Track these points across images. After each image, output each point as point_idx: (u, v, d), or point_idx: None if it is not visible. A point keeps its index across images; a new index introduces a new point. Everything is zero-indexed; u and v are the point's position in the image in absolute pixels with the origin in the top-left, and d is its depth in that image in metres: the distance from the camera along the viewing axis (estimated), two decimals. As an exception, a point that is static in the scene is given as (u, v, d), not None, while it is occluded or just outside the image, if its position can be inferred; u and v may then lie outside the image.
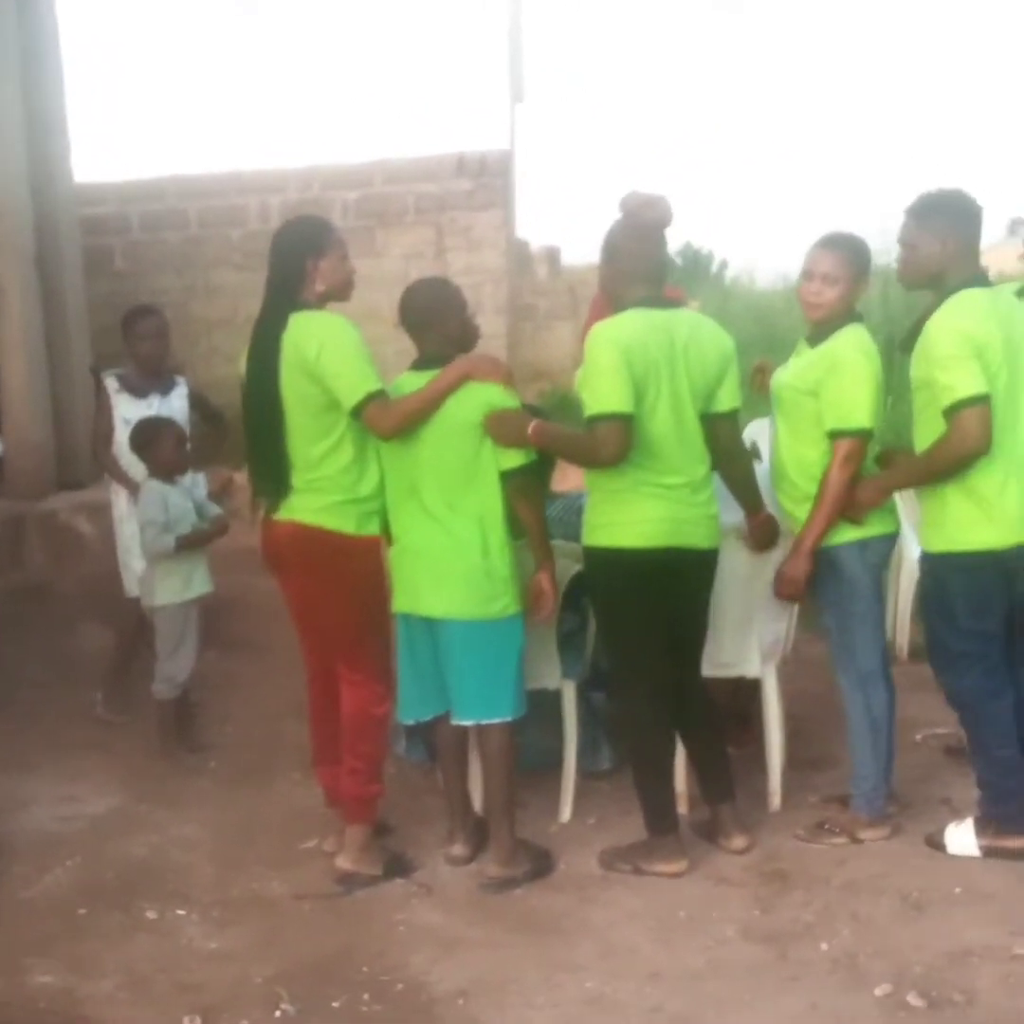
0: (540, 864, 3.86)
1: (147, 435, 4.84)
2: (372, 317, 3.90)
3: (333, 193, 9.64)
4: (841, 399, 3.69)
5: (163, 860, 4.06)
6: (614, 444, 3.55)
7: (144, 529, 4.73)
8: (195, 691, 5.04)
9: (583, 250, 10.80)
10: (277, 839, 4.15)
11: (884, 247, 4.97)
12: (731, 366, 3.72)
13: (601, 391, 3.56)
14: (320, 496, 3.70)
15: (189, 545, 4.75)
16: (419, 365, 3.76)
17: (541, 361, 10.65)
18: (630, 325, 3.63)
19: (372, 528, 3.77)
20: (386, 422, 3.63)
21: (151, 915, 3.71)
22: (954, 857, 3.73)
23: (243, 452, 5.12)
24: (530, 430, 3.61)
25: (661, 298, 3.76)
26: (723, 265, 22.90)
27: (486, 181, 9.44)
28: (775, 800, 4.15)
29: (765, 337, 9.92)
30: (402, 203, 9.53)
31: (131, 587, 5.16)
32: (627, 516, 3.67)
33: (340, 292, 3.82)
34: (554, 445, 3.75)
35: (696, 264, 22.81)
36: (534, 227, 12.05)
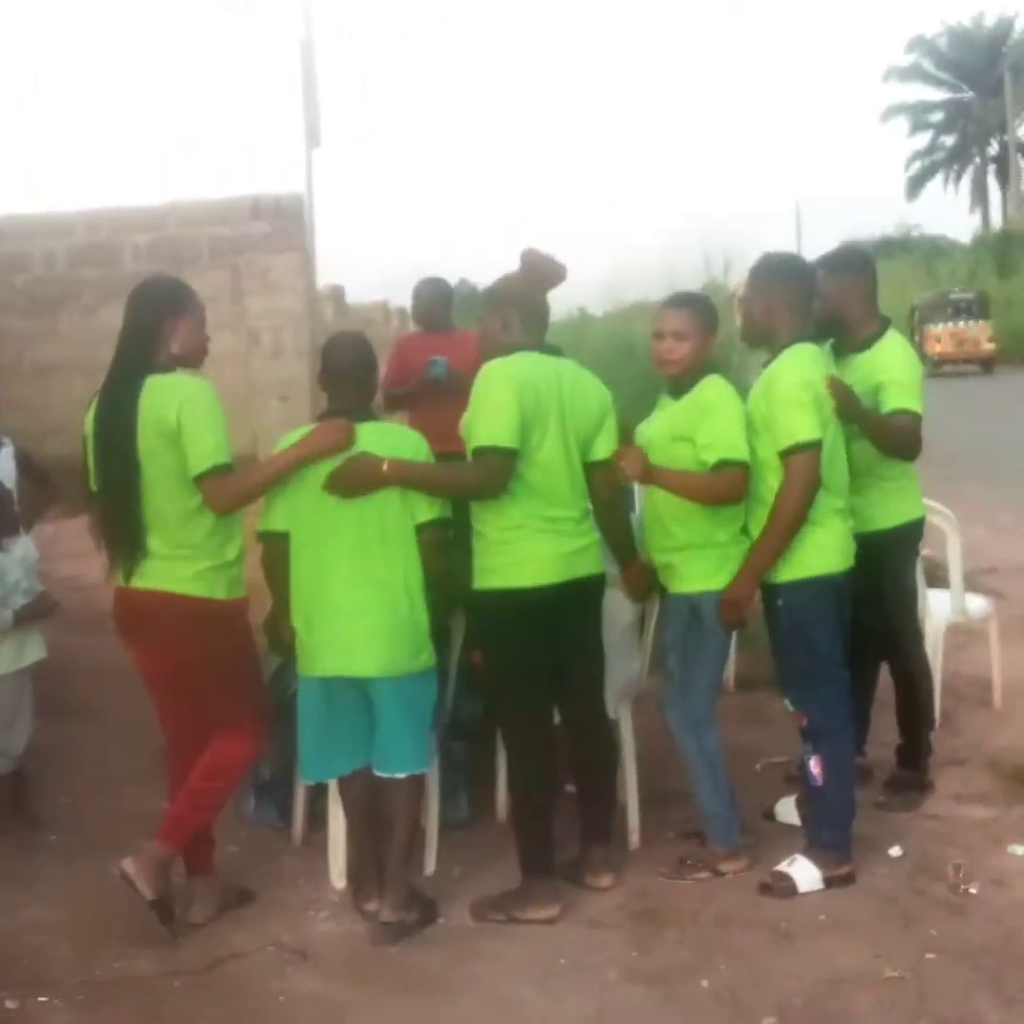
0: (427, 912, 3.89)
1: None
2: None
3: (123, 237, 9.46)
4: (723, 432, 3.83)
5: (15, 945, 3.86)
6: (499, 476, 3.68)
7: None
8: (29, 762, 4.82)
9: (369, 290, 10.86)
10: (134, 913, 3.96)
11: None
12: (609, 416, 3.88)
13: (492, 424, 3.67)
14: (188, 564, 3.64)
15: (24, 622, 4.55)
16: (329, 416, 3.78)
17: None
18: (522, 365, 3.76)
19: (240, 592, 3.74)
20: (220, 502, 3.62)
21: (10, 1005, 3.53)
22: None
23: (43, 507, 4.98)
24: (385, 469, 3.64)
25: (547, 345, 3.89)
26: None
27: (283, 224, 9.42)
28: (634, 838, 4.29)
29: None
30: (196, 246, 9.41)
31: None
32: (519, 556, 3.76)
33: (194, 358, 3.79)
34: (415, 479, 3.73)
35: (472, 301, 23.12)
36: (321, 267, 12.02)
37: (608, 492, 3.91)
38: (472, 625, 4.03)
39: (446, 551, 3.82)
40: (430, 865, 4.21)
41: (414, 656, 3.73)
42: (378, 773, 3.81)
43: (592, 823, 4.02)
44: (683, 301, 4.07)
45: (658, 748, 4.78)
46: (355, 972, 3.66)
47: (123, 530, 3.67)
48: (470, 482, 3.77)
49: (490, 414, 3.70)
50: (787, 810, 4.33)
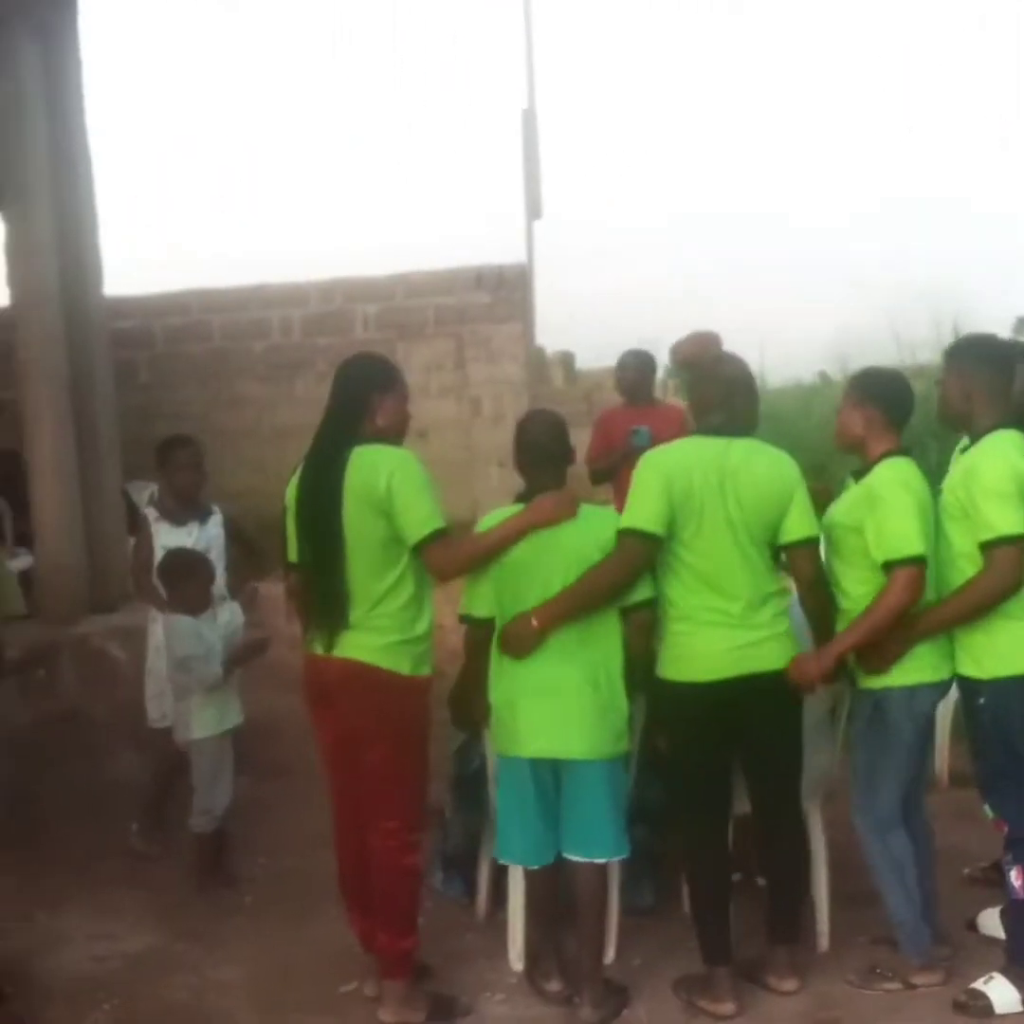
0: (621, 999, 3.85)
1: (180, 569, 4.85)
2: None
3: (355, 306, 9.83)
4: (884, 531, 3.67)
5: (202, 1003, 4.00)
6: (637, 558, 3.65)
7: (185, 664, 4.70)
8: (229, 822, 4.99)
9: (599, 354, 10.90)
10: (316, 981, 4.08)
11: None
12: (796, 494, 3.69)
13: (632, 508, 3.66)
14: (378, 635, 3.66)
15: (236, 665, 4.76)
16: (525, 498, 3.77)
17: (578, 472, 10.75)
18: (677, 452, 3.74)
19: (426, 669, 3.74)
20: (446, 565, 3.65)
21: (193, 1065, 3.67)
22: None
23: (267, 563, 5.17)
24: (535, 624, 3.63)
25: (729, 425, 3.76)
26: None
27: (505, 294, 9.60)
28: (823, 941, 4.09)
29: (781, 442, 9.95)
30: (422, 316, 9.69)
31: (156, 717, 5.17)
32: (689, 649, 3.70)
33: (396, 433, 3.82)
34: (568, 610, 3.66)
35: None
36: (548, 334, 12.15)
37: (808, 574, 3.75)
38: (653, 709, 3.96)
39: (650, 632, 3.77)
40: (610, 953, 4.13)
41: (616, 740, 3.71)
42: (573, 858, 3.76)
43: (778, 923, 3.88)
44: (854, 376, 3.98)
45: (855, 843, 4.60)
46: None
47: (325, 600, 3.70)
48: (611, 571, 3.68)
49: (633, 499, 3.68)
50: (991, 922, 4.06)
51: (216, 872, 4.83)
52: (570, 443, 3.90)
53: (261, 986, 4.08)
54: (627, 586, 3.71)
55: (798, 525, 3.70)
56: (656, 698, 3.86)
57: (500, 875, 4.34)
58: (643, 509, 3.65)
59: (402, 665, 3.68)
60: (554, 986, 3.88)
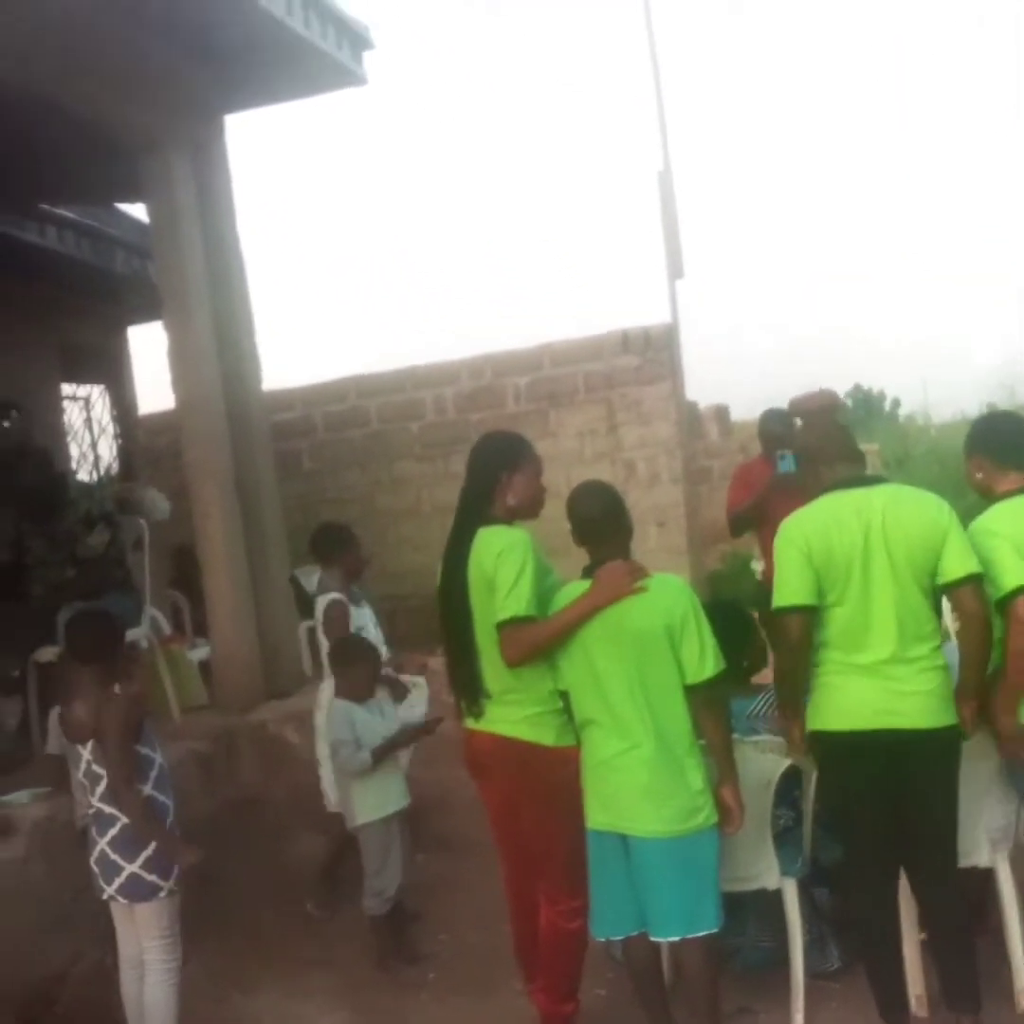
0: None
1: (352, 655, 4.98)
2: (552, 496, 4.01)
3: (505, 379, 9.96)
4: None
5: (388, 1084, 4.04)
6: (792, 634, 3.64)
7: (337, 750, 4.81)
8: (410, 899, 5.04)
9: (751, 404, 10.82)
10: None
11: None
12: (950, 534, 3.59)
13: (781, 587, 3.66)
14: (518, 708, 3.76)
15: (385, 754, 4.82)
16: (589, 573, 3.74)
17: (721, 523, 10.65)
18: (811, 517, 3.69)
19: (570, 739, 3.77)
20: (512, 653, 3.68)
21: None
22: None
23: (434, 638, 5.25)
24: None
25: (859, 477, 3.77)
26: (896, 403, 22.60)
27: (652, 355, 9.60)
28: (1022, 1000, 3.91)
29: (949, 479, 9.70)
30: (572, 383, 9.75)
31: (334, 802, 5.28)
32: (829, 699, 3.68)
33: (530, 509, 3.90)
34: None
35: (868, 405, 22.58)
36: (702, 388, 12.12)
37: (966, 610, 3.63)
38: (819, 767, 3.88)
39: (721, 709, 3.68)
40: (799, 1019, 4.02)
41: (686, 818, 3.58)
42: (654, 938, 3.70)
43: (954, 989, 3.72)
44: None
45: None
46: None
47: (461, 674, 3.86)
48: (779, 654, 3.74)
49: (779, 575, 3.68)
50: None
51: (398, 950, 4.88)
52: (625, 511, 3.85)
53: (448, 1062, 4.11)
54: (792, 661, 3.68)
55: (953, 565, 3.60)
56: (811, 751, 3.79)
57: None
58: (788, 585, 3.64)
59: (545, 736, 3.76)
60: None
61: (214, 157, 7.04)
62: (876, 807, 3.67)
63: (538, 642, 3.68)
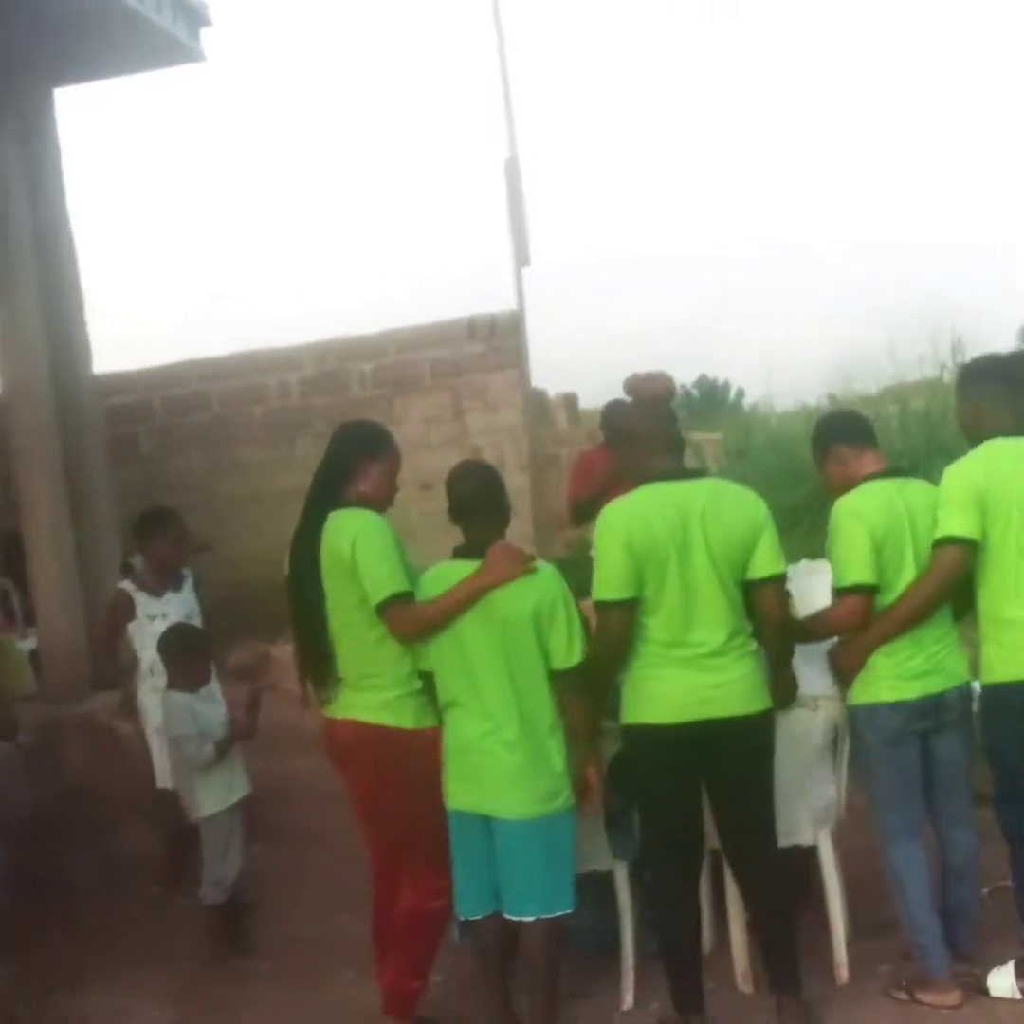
0: None
1: (181, 645, 4.87)
2: (399, 483, 4.00)
3: (349, 365, 9.86)
4: (835, 558, 3.89)
5: (220, 1077, 3.97)
6: (612, 628, 3.67)
7: (180, 744, 4.72)
8: (243, 890, 4.95)
9: (601, 391, 10.94)
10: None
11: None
12: (764, 532, 3.67)
13: (601, 578, 3.68)
14: (375, 693, 3.72)
15: (228, 748, 4.73)
16: (462, 552, 3.75)
17: (566, 511, 10.75)
18: (632, 508, 3.70)
19: (430, 721, 3.76)
20: (404, 627, 3.67)
21: None
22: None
23: (277, 626, 5.19)
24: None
25: (680, 469, 3.81)
26: (740, 393, 23.11)
27: (498, 343, 9.62)
28: (842, 972, 4.03)
29: (788, 468, 9.95)
30: (417, 370, 9.71)
31: (162, 778, 5.23)
32: (649, 692, 3.69)
33: (381, 502, 3.86)
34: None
35: (713, 395, 23.04)
36: (550, 376, 12.18)
37: (768, 608, 3.71)
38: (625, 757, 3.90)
39: (585, 695, 3.69)
40: (628, 999, 4.08)
41: (547, 800, 3.62)
42: (508, 916, 3.71)
43: (776, 970, 3.79)
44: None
45: (873, 870, 4.53)
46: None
47: (314, 660, 3.81)
48: (599, 639, 3.71)
49: (600, 568, 3.68)
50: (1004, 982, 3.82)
51: (232, 941, 4.80)
52: (504, 492, 3.86)
53: (280, 1055, 4.05)
54: (606, 650, 3.70)
55: (764, 562, 3.68)
56: (623, 744, 3.82)
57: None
58: (608, 579, 3.65)
59: (404, 720, 3.74)
60: None
61: (43, 131, 6.80)
62: (685, 801, 3.73)
63: (431, 619, 3.65)
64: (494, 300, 9.90)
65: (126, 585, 5.42)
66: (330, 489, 3.82)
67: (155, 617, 5.27)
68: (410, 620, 3.66)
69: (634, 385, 4.84)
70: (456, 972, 4.35)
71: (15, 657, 6.63)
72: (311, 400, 9.86)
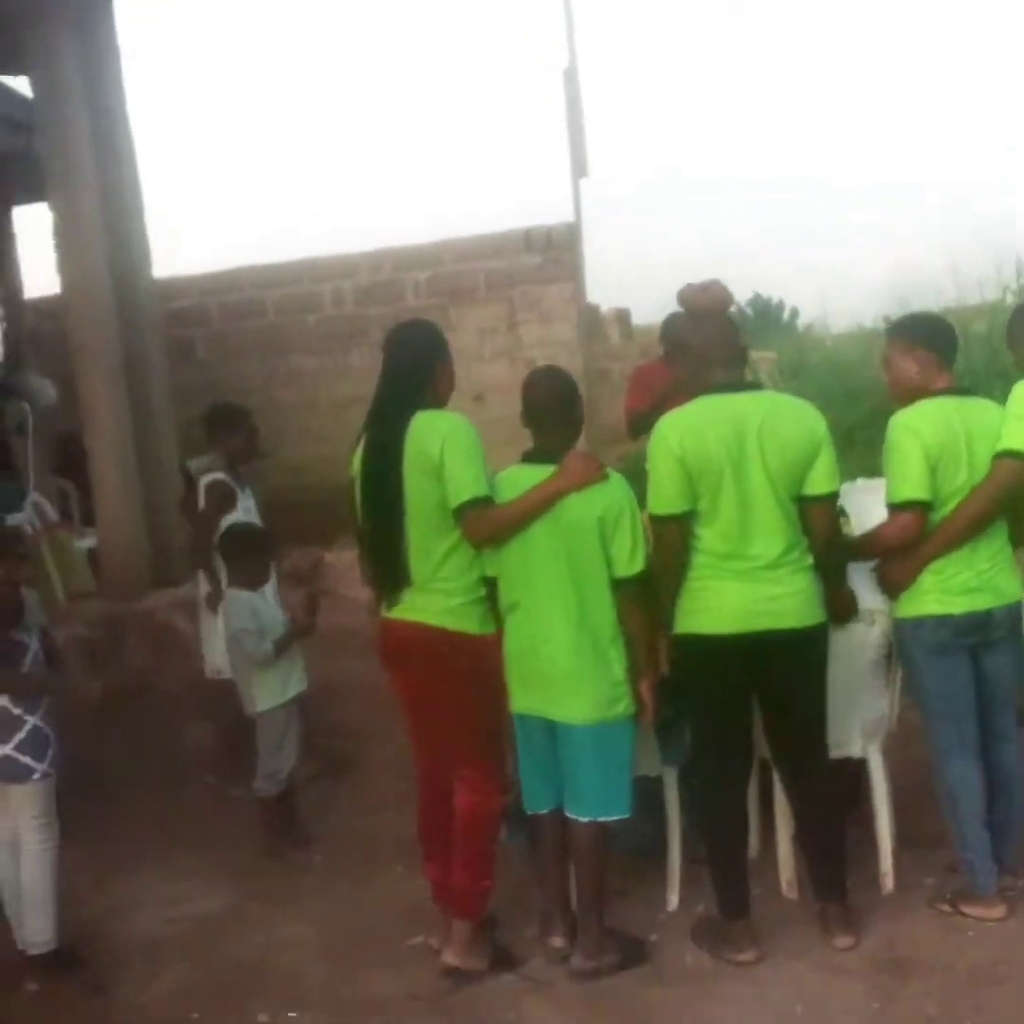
0: (630, 954, 3.82)
1: (245, 543, 4.92)
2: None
3: (404, 274, 9.81)
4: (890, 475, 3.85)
5: (272, 961, 4.08)
6: (667, 540, 3.67)
7: (240, 640, 4.77)
8: (297, 784, 5.05)
9: (654, 309, 10.82)
10: (384, 936, 4.14)
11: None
12: (822, 449, 3.65)
13: (654, 492, 3.68)
14: (444, 597, 3.72)
15: (286, 647, 4.81)
16: (533, 457, 3.75)
17: (620, 425, 10.70)
18: (686, 420, 3.68)
19: (492, 627, 3.79)
20: (479, 531, 3.66)
21: (263, 1019, 3.74)
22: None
23: (332, 532, 5.23)
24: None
25: (739, 382, 3.77)
26: (794, 313, 22.69)
27: (554, 255, 9.54)
28: (888, 882, 4.06)
29: (845, 390, 9.83)
30: (472, 280, 9.65)
31: (213, 667, 5.34)
32: (704, 603, 3.69)
33: (447, 398, 3.87)
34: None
35: (767, 314, 22.65)
36: (604, 291, 12.04)
37: (819, 527, 3.70)
38: (675, 666, 3.90)
39: (646, 604, 3.72)
40: (673, 901, 4.15)
41: (608, 706, 3.66)
42: (568, 815, 3.78)
43: (822, 878, 3.84)
44: (897, 324, 4.12)
45: (923, 783, 4.54)
46: (589, 1005, 3.65)
47: (388, 563, 3.78)
48: (656, 551, 3.71)
49: (653, 482, 3.68)
50: None
51: (285, 834, 4.90)
52: (580, 400, 3.86)
53: (330, 943, 4.16)
54: (676, 568, 3.70)
55: (820, 480, 3.66)
56: (676, 653, 3.82)
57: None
58: (661, 494, 3.65)
59: (470, 625, 3.75)
60: (556, 942, 3.89)
61: (102, 29, 6.76)
62: (737, 711, 3.75)
63: (508, 522, 3.66)
64: (551, 212, 9.81)
65: (222, 477, 5.40)
66: (409, 390, 3.78)
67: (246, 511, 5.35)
68: (488, 523, 3.65)
69: (688, 296, 4.72)
70: (499, 870, 4.44)
71: (73, 555, 6.74)
72: (366, 309, 9.82)
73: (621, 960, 3.78)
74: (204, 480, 5.41)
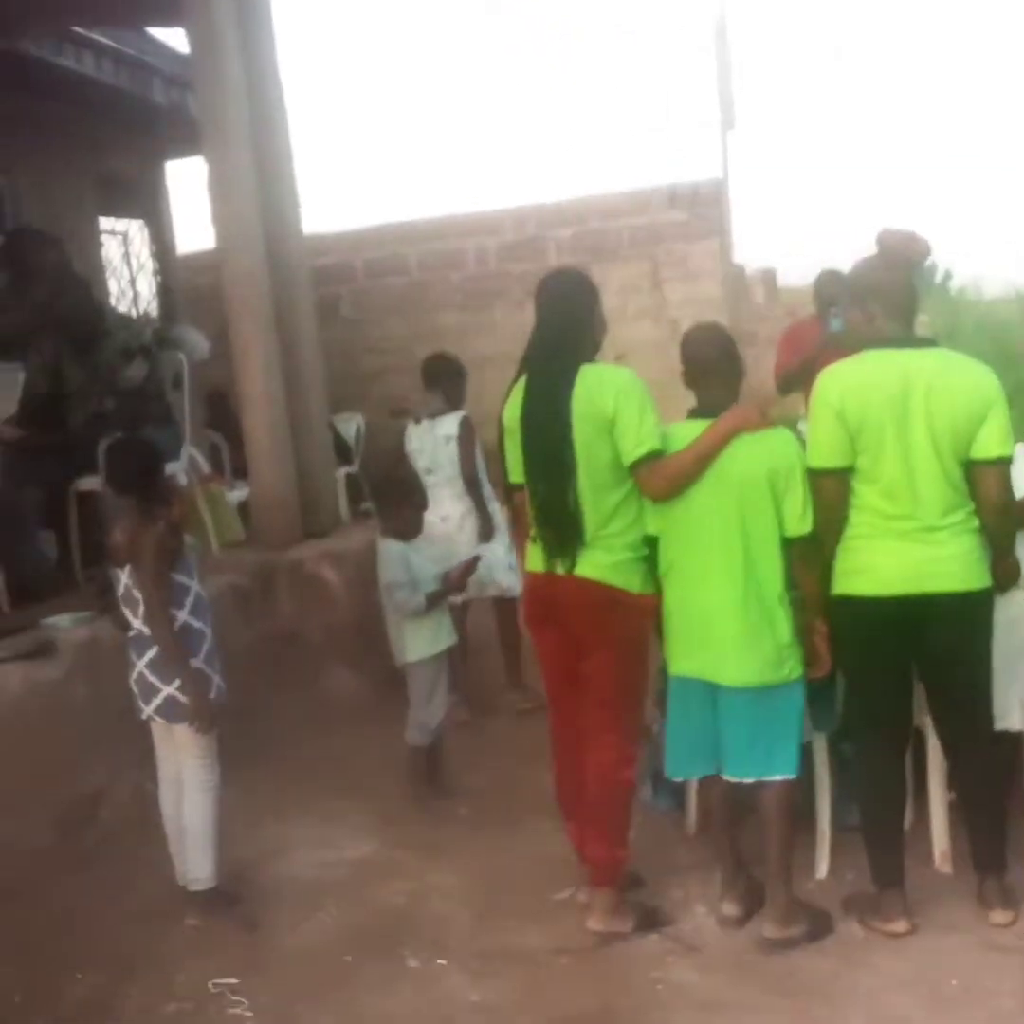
0: (818, 925, 3.77)
1: (401, 493, 4.98)
2: None
3: (548, 232, 9.76)
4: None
5: (421, 908, 4.16)
6: (826, 495, 3.59)
7: (393, 591, 4.83)
8: (446, 735, 5.12)
9: (801, 270, 10.61)
10: (530, 888, 4.18)
11: None
12: (993, 410, 3.52)
13: (813, 446, 3.61)
14: (608, 553, 3.68)
15: (438, 602, 4.87)
16: (699, 413, 3.69)
17: (766, 386, 10.52)
18: (850, 375, 3.59)
19: (652, 587, 3.75)
20: (657, 483, 3.62)
21: (413, 964, 3.81)
22: None
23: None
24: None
25: (910, 337, 3.67)
26: (948, 276, 22.09)
27: (700, 211, 9.40)
28: (1044, 859, 3.96)
29: (1000, 354, 9.54)
30: (617, 238, 9.56)
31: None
32: (863, 563, 3.61)
33: (601, 346, 3.84)
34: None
35: (919, 275, 22.07)
36: (749, 251, 11.85)
37: (988, 491, 3.57)
38: (831, 629, 3.79)
39: (816, 563, 3.65)
40: (822, 869, 4.10)
41: (774, 668, 3.61)
42: (727, 778, 3.74)
43: (981, 850, 3.75)
44: None
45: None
46: (735, 969, 3.64)
47: (559, 519, 3.69)
48: (815, 514, 3.62)
49: (812, 436, 3.61)
50: None
51: (431, 784, 4.98)
52: (739, 357, 3.80)
53: (477, 892, 4.21)
54: (835, 524, 3.63)
55: (989, 443, 3.53)
56: (831, 615, 3.73)
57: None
58: (821, 447, 3.58)
59: (631, 583, 3.72)
60: (729, 909, 3.86)
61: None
62: (896, 678, 3.68)
63: (686, 470, 3.59)
64: (696, 168, 9.66)
65: (469, 416, 5.76)
66: (572, 340, 3.73)
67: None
68: (667, 474, 3.59)
69: (891, 242, 4.55)
70: (647, 832, 4.44)
71: (224, 506, 6.89)
72: (508, 266, 9.81)
73: (809, 931, 3.73)
74: (452, 419, 5.74)
